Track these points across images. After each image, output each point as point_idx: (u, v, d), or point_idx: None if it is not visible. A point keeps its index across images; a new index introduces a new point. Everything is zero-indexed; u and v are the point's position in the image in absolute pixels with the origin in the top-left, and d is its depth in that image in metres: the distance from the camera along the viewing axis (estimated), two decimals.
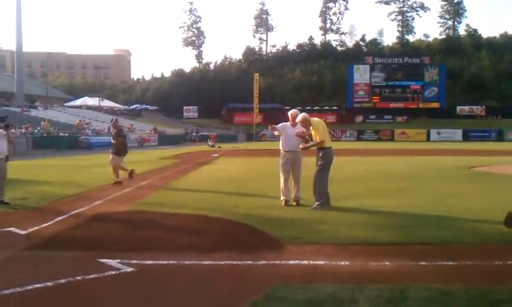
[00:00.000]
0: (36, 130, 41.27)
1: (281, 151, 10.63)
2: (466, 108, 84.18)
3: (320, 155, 9.88)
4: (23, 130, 39.66)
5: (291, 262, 6.03)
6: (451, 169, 18.84)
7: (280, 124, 10.79)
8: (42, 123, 43.68)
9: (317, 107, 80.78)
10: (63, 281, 5.24)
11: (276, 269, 5.80)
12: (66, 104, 75.86)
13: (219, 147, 43.75)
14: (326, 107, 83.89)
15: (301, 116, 10.30)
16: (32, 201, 10.84)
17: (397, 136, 69.52)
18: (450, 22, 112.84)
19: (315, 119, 10.18)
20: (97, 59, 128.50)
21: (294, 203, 10.22)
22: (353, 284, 5.02)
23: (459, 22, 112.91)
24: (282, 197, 10.33)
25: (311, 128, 10.03)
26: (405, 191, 12.17)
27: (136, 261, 5.95)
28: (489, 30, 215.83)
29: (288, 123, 10.61)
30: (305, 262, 5.97)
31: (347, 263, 5.97)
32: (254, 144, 58.13)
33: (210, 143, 47.00)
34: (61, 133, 43.77)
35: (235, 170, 19.95)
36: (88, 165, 21.74)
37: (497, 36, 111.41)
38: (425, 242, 6.93)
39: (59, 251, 6.68)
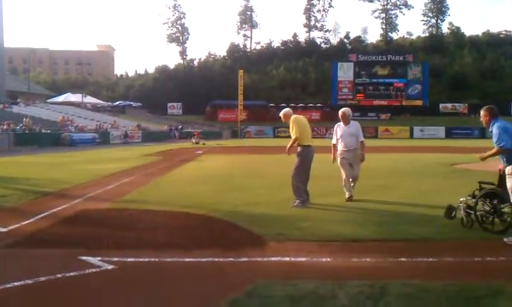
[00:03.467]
0: (18, 127, 40.78)
1: (339, 150, 10.73)
2: (449, 106, 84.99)
3: (299, 151, 9.94)
4: (5, 127, 39.20)
5: (273, 259, 6.04)
6: (433, 166, 19.02)
7: (336, 125, 10.97)
8: (24, 119, 43.19)
9: (301, 104, 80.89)
10: (43, 278, 5.19)
11: (258, 266, 5.81)
12: (48, 100, 75.18)
13: (204, 144, 43.66)
14: (311, 105, 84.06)
15: (282, 112, 10.35)
16: (13, 199, 10.72)
17: (381, 133, 69.90)
18: (433, 20, 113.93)
19: (293, 116, 10.18)
20: (80, 55, 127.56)
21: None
22: (334, 280, 5.04)
23: (442, 20, 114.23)
24: (346, 194, 10.40)
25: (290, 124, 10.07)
26: (387, 188, 12.26)
27: (117, 259, 5.91)
28: (472, 28, 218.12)
29: (341, 122, 10.78)
30: (287, 259, 5.99)
31: (328, 259, 6.00)
32: (238, 141, 58.16)
33: (194, 140, 46.79)
34: (43, 130, 43.32)
35: (218, 167, 19.92)
36: (70, 162, 21.56)
37: (480, 34, 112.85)
38: (406, 239, 7.00)
39: (40, 248, 6.61)
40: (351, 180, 10.52)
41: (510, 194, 6.92)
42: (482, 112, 7.54)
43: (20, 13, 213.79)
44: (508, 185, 6.92)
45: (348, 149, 10.55)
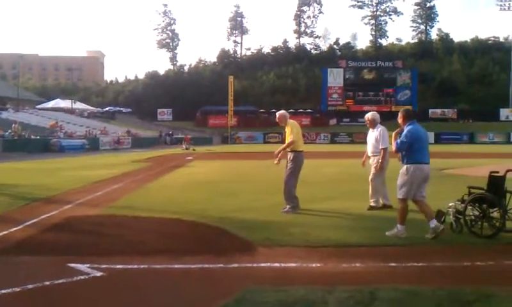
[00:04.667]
0: (7, 133, 40.52)
1: None
2: (438, 111, 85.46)
3: (292, 157, 9.87)
4: None
5: (263, 265, 6.03)
6: None
7: None
8: (13, 125, 42.91)
9: (291, 110, 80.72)
10: (30, 286, 5.13)
11: (247, 272, 5.80)
12: (38, 106, 74.75)
13: (194, 150, 43.56)
14: (301, 110, 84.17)
15: (278, 113, 10.31)
16: (2, 205, 10.61)
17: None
18: (422, 27, 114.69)
19: (291, 121, 10.19)
20: (70, 61, 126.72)
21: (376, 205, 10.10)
22: (324, 286, 5.03)
23: (431, 27, 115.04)
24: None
25: (286, 127, 10.04)
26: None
27: (106, 266, 5.87)
28: (460, 34, 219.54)
29: (370, 129, 10.50)
30: (277, 265, 5.98)
31: (318, 265, 6.00)
32: (229, 147, 58.11)
33: (184, 146, 46.57)
34: (32, 136, 43.09)
35: (209, 173, 19.89)
36: (60, 169, 21.45)
37: (468, 40, 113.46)
38: (395, 244, 7.02)
39: (28, 255, 6.54)
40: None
41: (398, 189, 7.77)
42: (399, 114, 8.09)
43: (9, 18, 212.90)
44: (399, 181, 7.76)
45: (369, 155, 10.40)
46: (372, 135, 10.30)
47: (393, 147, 7.91)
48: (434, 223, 7.40)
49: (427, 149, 7.84)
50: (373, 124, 10.37)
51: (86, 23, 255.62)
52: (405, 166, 7.66)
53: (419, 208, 7.79)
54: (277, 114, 10.34)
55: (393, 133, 8.39)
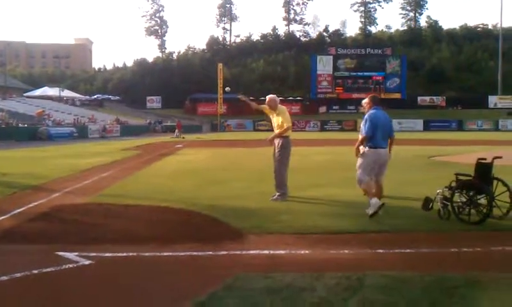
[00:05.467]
0: None
1: None
2: (427, 98, 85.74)
3: (280, 144, 9.84)
4: None
5: (252, 252, 6.05)
6: (411, 159, 19.19)
7: None
8: (0, 113, 42.59)
9: (281, 98, 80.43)
10: (18, 274, 5.12)
11: (236, 259, 5.81)
12: (25, 94, 74.25)
13: (183, 138, 43.42)
14: (290, 98, 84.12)
15: (269, 96, 10.24)
16: None
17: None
18: (411, 14, 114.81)
19: (281, 106, 10.16)
20: (57, 49, 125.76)
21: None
22: (312, 272, 5.05)
23: (420, 14, 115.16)
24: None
25: (276, 112, 9.99)
26: None
27: (94, 254, 5.86)
28: (449, 22, 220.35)
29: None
30: (266, 252, 6.00)
31: (307, 251, 6.02)
32: (218, 134, 58.03)
33: (176, 133, 45.92)
34: (20, 124, 42.77)
35: (198, 161, 19.86)
36: (48, 157, 21.31)
37: (457, 27, 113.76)
38: (383, 230, 7.05)
39: (16, 244, 6.52)
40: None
41: (357, 171, 8.28)
42: (366, 100, 8.58)
43: None
44: (357, 163, 8.30)
45: None
46: None
47: (360, 137, 8.33)
48: (375, 200, 7.85)
49: (386, 135, 8.34)
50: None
51: (73, 11, 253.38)
52: (363, 150, 8.24)
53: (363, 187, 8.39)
54: (267, 97, 10.24)
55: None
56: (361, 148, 8.48)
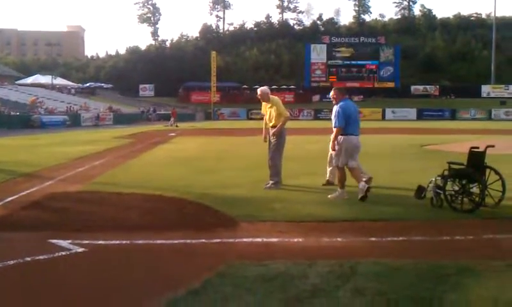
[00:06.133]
0: None
1: None
2: (421, 87, 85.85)
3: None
4: None
5: (245, 240, 6.06)
6: (404, 147, 19.24)
7: None
8: None
9: (275, 86, 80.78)
10: (11, 262, 5.11)
11: (230, 247, 5.82)
12: (17, 82, 73.68)
13: (177, 126, 43.26)
14: (284, 86, 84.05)
15: (260, 89, 10.20)
16: None
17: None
18: (405, 2, 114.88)
19: (274, 97, 10.14)
20: (49, 36, 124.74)
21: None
22: (305, 260, 5.06)
23: (414, 2, 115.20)
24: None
25: (269, 104, 9.95)
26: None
27: (87, 242, 5.85)
28: (443, 11, 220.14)
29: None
30: (259, 240, 6.01)
31: (300, 239, 6.04)
32: (212, 123, 57.88)
33: (171, 121, 45.15)
34: (12, 112, 42.52)
35: (191, 149, 19.84)
36: (40, 145, 21.23)
37: (451, 16, 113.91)
38: (377, 219, 7.07)
39: (9, 232, 6.51)
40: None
41: (334, 158, 8.83)
42: (332, 92, 8.97)
43: None
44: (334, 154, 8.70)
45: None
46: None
47: (335, 129, 8.63)
48: (362, 185, 8.31)
49: (357, 123, 8.79)
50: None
51: None
52: (339, 138, 8.56)
53: (351, 175, 8.70)
54: (259, 90, 10.19)
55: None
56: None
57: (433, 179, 7.88)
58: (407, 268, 4.85)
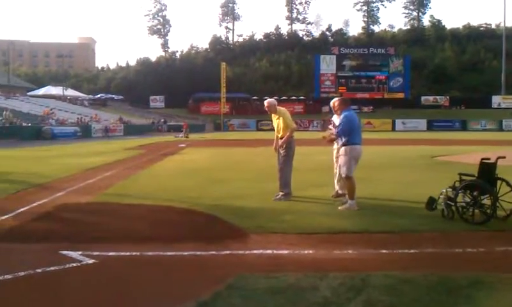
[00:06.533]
0: None
1: None
2: (431, 98, 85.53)
3: (286, 143, 9.83)
4: None
5: (255, 252, 6.04)
6: (415, 159, 19.15)
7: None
8: (4, 112, 42.64)
9: (284, 97, 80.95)
10: (22, 273, 5.12)
11: (239, 259, 5.81)
12: (29, 93, 74.37)
13: (187, 137, 43.39)
14: (293, 97, 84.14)
15: (267, 101, 10.23)
16: None
17: (364, 126, 69.54)
18: (414, 13, 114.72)
19: (281, 108, 10.15)
20: (61, 48, 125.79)
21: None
22: (316, 272, 5.04)
23: (424, 13, 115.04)
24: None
25: (277, 115, 9.96)
26: (369, 180, 12.24)
27: (97, 253, 5.86)
28: (452, 21, 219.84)
29: (335, 115, 10.04)
30: (269, 251, 5.99)
31: (310, 251, 6.01)
32: (222, 134, 58.04)
33: (182, 134, 45.44)
34: (24, 123, 42.83)
35: (201, 160, 19.86)
36: (51, 156, 21.36)
37: (460, 27, 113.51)
38: (387, 230, 7.03)
39: (20, 243, 6.53)
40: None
41: (341, 169, 8.87)
42: (336, 102, 9.33)
43: None
44: (341, 161, 8.87)
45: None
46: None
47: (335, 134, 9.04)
48: (354, 202, 8.62)
49: (360, 132, 9.05)
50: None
51: (77, 10, 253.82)
52: (343, 148, 8.80)
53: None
54: (265, 102, 10.21)
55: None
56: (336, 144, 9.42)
57: (444, 190, 7.84)
58: (418, 280, 4.82)
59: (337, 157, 10.11)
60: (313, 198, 9.79)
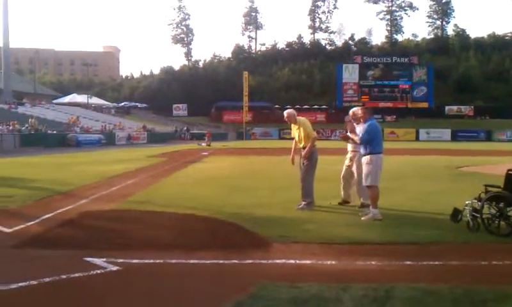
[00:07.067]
0: (23, 128, 40.93)
1: None
2: (455, 108, 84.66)
3: (308, 154, 9.78)
4: (10, 127, 39.32)
5: (277, 261, 6.02)
6: (439, 169, 18.95)
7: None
8: (30, 120, 43.35)
9: (306, 106, 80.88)
10: (47, 279, 5.18)
11: (262, 268, 5.80)
12: (54, 101, 75.48)
13: (209, 145, 43.58)
14: (315, 106, 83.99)
15: (286, 112, 10.23)
16: (19, 199, 10.72)
17: (387, 136, 69.39)
18: (438, 22, 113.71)
19: (301, 118, 10.13)
20: (86, 56, 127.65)
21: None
22: (339, 283, 5.01)
23: (448, 22, 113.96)
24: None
25: (297, 125, 9.94)
26: (393, 190, 12.14)
27: (121, 260, 5.91)
28: (477, 30, 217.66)
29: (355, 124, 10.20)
30: (291, 261, 5.97)
31: (333, 262, 5.97)
32: (244, 142, 58.13)
33: (205, 143, 45.82)
34: (49, 131, 43.46)
35: (224, 169, 19.91)
36: (76, 163, 21.62)
37: (485, 36, 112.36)
38: (412, 242, 6.96)
39: (45, 249, 6.60)
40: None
41: (365, 178, 8.79)
42: (360, 111, 9.37)
43: (25, 13, 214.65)
44: (365, 170, 8.79)
45: (349, 150, 10.57)
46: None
47: (359, 139, 9.02)
48: (377, 211, 8.62)
49: (382, 141, 9.19)
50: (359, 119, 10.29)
51: (101, 19, 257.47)
52: (368, 157, 8.78)
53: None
54: (285, 113, 10.20)
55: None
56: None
57: (469, 202, 7.74)
58: (443, 293, 4.76)
59: (348, 166, 10.16)
60: (336, 208, 9.75)
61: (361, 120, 9.13)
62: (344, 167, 10.45)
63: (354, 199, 10.20)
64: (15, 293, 4.87)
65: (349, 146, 10.38)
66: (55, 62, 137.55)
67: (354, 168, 10.12)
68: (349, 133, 9.80)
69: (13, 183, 13.62)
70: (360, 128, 9.88)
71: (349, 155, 10.40)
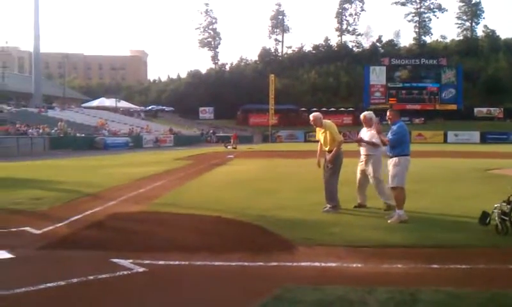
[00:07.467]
0: (53, 131, 41.65)
1: None
2: (484, 110, 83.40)
3: (334, 157, 9.73)
4: (40, 131, 40.04)
5: (302, 264, 6.02)
6: (467, 171, 18.66)
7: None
8: (59, 123, 44.08)
9: (332, 109, 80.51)
10: (75, 280, 5.27)
11: (287, 270, 5.79)
12: (83, 105, 76.67)
13: (235, 148, 43.69)
14: (342, 109, 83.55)
15: (312, 115, 10.19)
16: (47, 201, 10.90)
17: (414, 138, 68.68)
18: (467, 23, 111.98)
19: (327, 121, 10.08)
20: (114, 60, 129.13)
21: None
22: (364, 286, 4.98)
23: (477, 23, 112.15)
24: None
25: (322, 129, 9.90)
26: (420, 193, 12.01)
27: (148, 262, 5.97)
28: (507, 31, 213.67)
29: (364, 128, 10.48)
30: (317, 264, 5.96)
31: (359, 265, 5.94)
32: (270, 145, 58.13)
33: (231, 144, 45.82)
34: (77, 134, 44.13)
35: (249, 171, 19.92)
36: (104, 166, 21.90)
37: None
38: (438, 245, 6.88)
39: (73, 250, 6.72)
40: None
41: (392, 180, 8.70)
42: (388, 113, 9.29)
43: (56, 18, 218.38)
44: (392, 172, 8.71)
45: (363, 153, 10.47)
46: (366, 134, 10.31)
47: (387, 139, 8.98)
48: (403, 212, 8.58)
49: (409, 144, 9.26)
50: (369, 123, 10.26)
51: (129, 23, 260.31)
52: (396, 158, 8.74)
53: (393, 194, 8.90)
54: (311, 116, 10.13)
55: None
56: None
57: (498, 205, 7.61)
58: (470, 297, 4.70)
59: (362, 170, 10.08)
60: (362, 211, 9.69)
61: (389, 122, 9.07)
62: (359, 171, 10.34)
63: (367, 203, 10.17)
64: (43, 293, 4.95)
65: (362, 150, 10.30)
66: (84, 67, 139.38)
67: (369, 171, 10.03)
68: (376, 135, 9.75)
69: (42, 186, 13.85)
70: (368, 133, 9.94)
71: (362, 159, 10.30)
